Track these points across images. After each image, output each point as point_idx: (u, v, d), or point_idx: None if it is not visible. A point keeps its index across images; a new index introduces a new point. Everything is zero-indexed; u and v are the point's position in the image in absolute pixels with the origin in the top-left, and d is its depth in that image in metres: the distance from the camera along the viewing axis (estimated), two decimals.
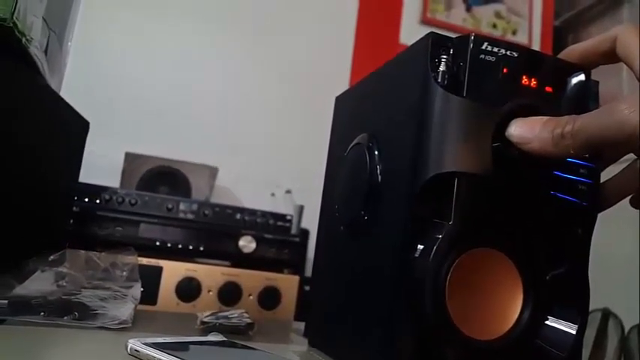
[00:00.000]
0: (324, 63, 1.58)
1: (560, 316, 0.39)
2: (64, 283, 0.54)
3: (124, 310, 0.49)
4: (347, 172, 0.47)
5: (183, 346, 0.38)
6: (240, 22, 1.53)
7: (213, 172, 1.36)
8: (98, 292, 0.52)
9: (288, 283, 0.96)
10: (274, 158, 1.51)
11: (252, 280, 0.94)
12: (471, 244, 0.37)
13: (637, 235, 1.28)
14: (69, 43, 0.64)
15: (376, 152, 0.43)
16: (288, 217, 1.07)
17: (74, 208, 0.88)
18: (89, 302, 0.48)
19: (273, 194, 1.50)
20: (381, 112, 0.44)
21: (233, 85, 1.50)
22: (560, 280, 0.39)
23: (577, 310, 0.39)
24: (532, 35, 1.74)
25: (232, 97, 1.50)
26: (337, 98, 0.55)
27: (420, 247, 0.37)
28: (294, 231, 1.09)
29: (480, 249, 0.38)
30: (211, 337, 0.42)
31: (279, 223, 1.06)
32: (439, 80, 0.37)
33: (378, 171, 0.42)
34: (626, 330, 1.28)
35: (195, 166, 1.32)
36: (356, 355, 0.42)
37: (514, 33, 1.71)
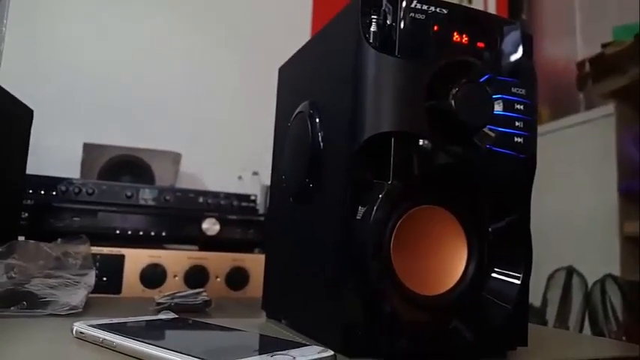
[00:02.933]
0: (284, 41, 1.55)
1: (504, 268, 0.40)
2: (14, 275, 0.52)
3: (76, 297, 0.48)
4: (291, 142, 0.47)
5: (129, 326, 0.38)
6: (198, 5, 1.49)
7: (176, 158, 1.34)
8: (48, 281, 0.51)
9: (255, 263, 0.95)
10: (240, 141, 1.50)
11: (218, 262, 0.93)
12: (413, 202, 0.38)
13: (597, 195, 1.32)
14: (3, 29, 0.62)
15: (317, 120, 0.42)
16: (252, 198, 1.06)
17: (28, 201, 0.86)
18: (37, 291, 0.47)
19: (240, 177, 1.48)
20: (320, 78, 0.44)
21: (193, 70, 1.47)
22: (503, 233, 0.39)
23: (520, 261, 0.39)
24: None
25: (193, 82, 1.47)
26: (280, 69, 0.54)
27: (362, 209, 0.37)
28: (261, 211, 1.09)
29: (422, 207, 0.38)
30: (162, 316, 0.42)
31: (244, 204, 1.05)
32: (371, 41, 0.37)
33: (320, 138, 0.42)
34: (589, 286, 1.32)
35: (157, 153, 1.30)
36: (307, 322, 0.42)
37: (470, 1, 1.72)
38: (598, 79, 1.45)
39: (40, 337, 0.39)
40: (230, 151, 1.49)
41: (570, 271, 1.39)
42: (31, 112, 0.69)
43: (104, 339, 0.34)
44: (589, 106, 1.47)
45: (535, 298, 1.39)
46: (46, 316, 0.45)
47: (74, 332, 0.37)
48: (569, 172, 1.48)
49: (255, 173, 1.48)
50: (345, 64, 0.38)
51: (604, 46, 1.45)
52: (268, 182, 1.25)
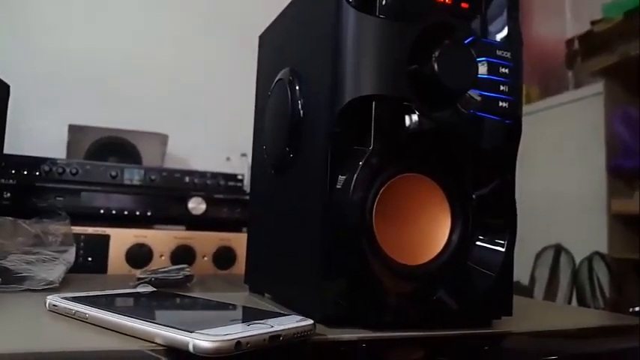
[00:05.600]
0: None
1: (488, 236, 0.39)
2: None
3: (53, 272, 0.47)
4: (271, 111, 0.46)
5: (104, 299, 0.37)
6: None
7: (163, 139, 1.32)
8: (25, 257, 0.49)
9: (242, 242, 0.94)
10: (228, 122, 1.48)
11: (205, 241, 0.92)
12: (395, 170, 0.37)
13: (585, 173, 1.32)
14: None
15: (297, 87, 0.41)
16: (239, 177, 1.05)
17: (11, 181, 0.85)
18: (13, 266, 0.46)
19: (228, 158, 1.47)
20: (300, 43, 0.42)
21: (179, 49, 1.44)
22: (487, 200, 0.39)
23: (505, 229, 0.39)
24: None
25: (179, 62, 1.44)
26: (260, 37, 0.53)
27: (342, 178, 0.36)
28: (249, 191, 1.07)
29: (405, 175, 0.37)
30: (139, 289, 0.41)
31: (230, 184, 1.04)
32: (351, 0, 0.35)
33: (300, 105, 0.40)
34: (577, 263, 1.33)
35: (144, 135, 1.28)
36: (290, 295, 0.41)
37: None
38: (587, 56, 1.45)
39: (13, 312, 0.38)
40: (218, 133, 1.47)
41: (558, 249, 1.39)
42: (8, 87, 0.67)
43: (76, 311, 0.33)
44: (578, 85, 1.46)
45: (523, 277, 1.40)
46: (21, 292, 0.44)
47: (47, 305, 0.36)
48: (557, 150, 1.48)
49: (244, 155, 1.46)
50: (324, 25, 0.37)
51: (593, 23, 1.44)
52: None
